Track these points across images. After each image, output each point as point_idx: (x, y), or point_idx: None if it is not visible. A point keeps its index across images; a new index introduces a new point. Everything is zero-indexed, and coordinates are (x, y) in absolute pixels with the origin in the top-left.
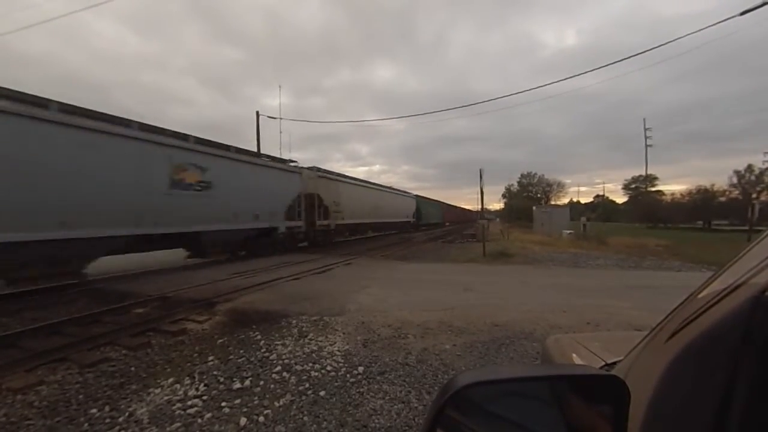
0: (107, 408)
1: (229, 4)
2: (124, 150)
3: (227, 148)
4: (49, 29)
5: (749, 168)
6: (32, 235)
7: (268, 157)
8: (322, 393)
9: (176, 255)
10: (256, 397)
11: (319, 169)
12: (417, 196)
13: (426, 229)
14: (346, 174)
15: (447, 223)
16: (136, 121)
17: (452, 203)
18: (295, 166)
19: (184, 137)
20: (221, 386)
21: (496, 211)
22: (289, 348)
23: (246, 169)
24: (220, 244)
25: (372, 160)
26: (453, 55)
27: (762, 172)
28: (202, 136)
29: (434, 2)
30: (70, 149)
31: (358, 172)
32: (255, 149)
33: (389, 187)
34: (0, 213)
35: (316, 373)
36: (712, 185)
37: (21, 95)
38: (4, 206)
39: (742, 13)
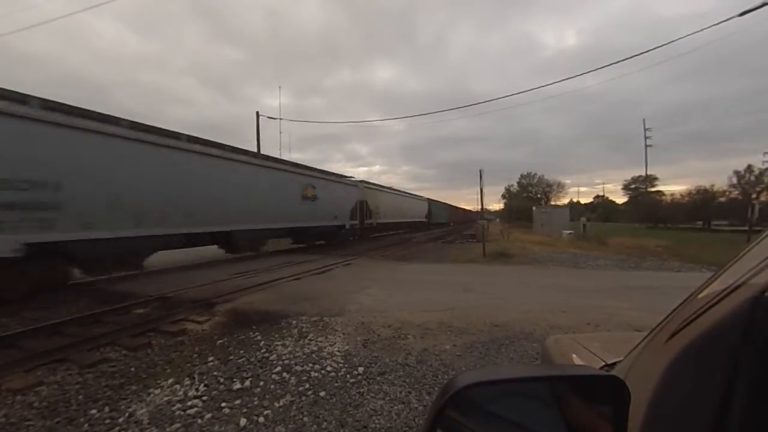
0: (107, 408)
1: (230, 4)
2: (279, 177)
3: (323, 172)
4: (49, 30)
5: (749, 168)
6: (242, 225)
7: (338, 175)
8: (322, 393)
9: (286, 241)
10: (256, 398)
11: (366, 182)
12: (428, 199)
13: (435, 227)
14: (382, 184)
15: (451, 223)
16: (274, 157)
17: (453, 204)
18: (354, 181)
19: (305, 167)
20: (221, 387)
21: (496, 212)
22: (289, 348)
23: (333, 185)
24: (315, 235)
25: (372, 160)
26: (453, 55)
27: (762, 173)
28: (205, 134)
29: (434, 3)
30: (249, 177)
31: (358, 172)
32: (255, 149)
33: (409, 193)
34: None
35: (316, 374)
36: (712, 185)
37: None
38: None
39: (742, 14)
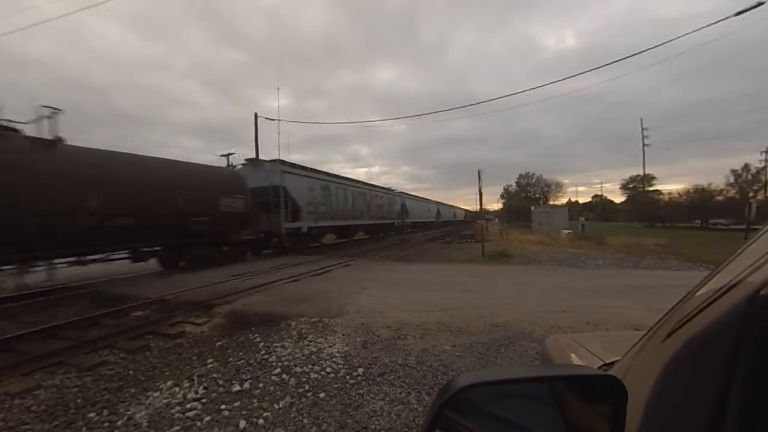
0: (105, 412)
1: (233, 7)
2: (387, 197)
3: (383, 188)
4: (51, 33)
5: (746, 167)
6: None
7: (388, 189)
8: (321, 395)
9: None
10: (255, 400)
11: (403, 192)
12: (437, 202)
13: (442, 225)
14: (411, 193)
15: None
16: (385, 187)
17: (454, 204)
18: (397, 192)
19: (374, 186)
20: (220, 389)
21: (495, 212)
22: (289, 350)
23: (389, 196)
24: (381, 229)
25: (372, 161)
26: (454, 57)
27: (759, 171)
28: (205, 135)
29: (436, 5)
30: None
31: (359, 173)
32: (254, 149)
33: (425, 198)
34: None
35: (316, 375)
36: (710, 184)
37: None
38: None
39: (738, 14)
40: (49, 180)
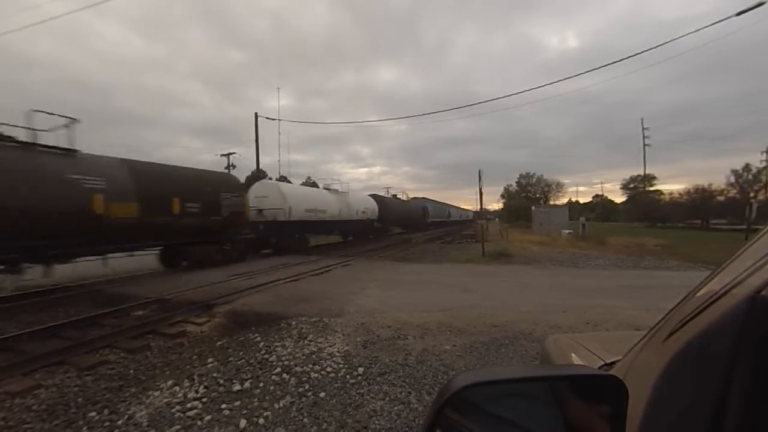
0: (106, 411)
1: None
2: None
3: (416, 198)
4: (54, 34)
5: (746, 167)
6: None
7: (415, 198)
8: (322, 394)
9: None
10: (255, 399)
11: (426, 199)
12: (449, 204)
13: (453, 225)
14: (432, 198)
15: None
16: (419, 198)
17: (455, 205)
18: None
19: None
20: (221, 388)
21: (495, 212)
22: (289, 349)
23: (420, 202)
24: (415, 225)
25: (373, 161)
26: (456, 58)
27: (759, 171)
28: (206, 135)
29: (438, 6)
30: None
31: (359, 173)
32: (254, 150)
33: (438, 202)
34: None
35: (316, 375)
36: (710, 184)
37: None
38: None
39: (738, 14)
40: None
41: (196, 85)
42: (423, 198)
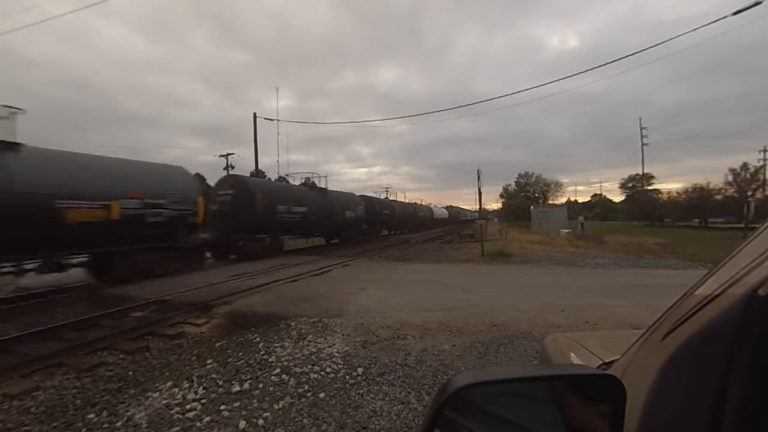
0: (105, 413)
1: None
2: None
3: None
4: (57, 35)
5: (744, 166)
6: None
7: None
8: (321, 395)
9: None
10: (255, 400)
11: (370, 196)
12: (450, 206)
13: (451, 224)
14: (438, 205)
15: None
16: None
17: (455, 205)
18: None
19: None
20: (220, 389)
21: (495, 211)
22: (288, 350)
23: (427, 207)
24: (424, 224)
25: (373, 161)
26: (457, 58)
27: (757, 170)
28: (207, 135)
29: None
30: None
31: (359, 173)
32: (253, 150)
33: (450, 206)
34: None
35: (316, 375)
36: (708, 183)
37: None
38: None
39: (735, 13)
40: None
41: (197, 85)
42: (429, 203)
